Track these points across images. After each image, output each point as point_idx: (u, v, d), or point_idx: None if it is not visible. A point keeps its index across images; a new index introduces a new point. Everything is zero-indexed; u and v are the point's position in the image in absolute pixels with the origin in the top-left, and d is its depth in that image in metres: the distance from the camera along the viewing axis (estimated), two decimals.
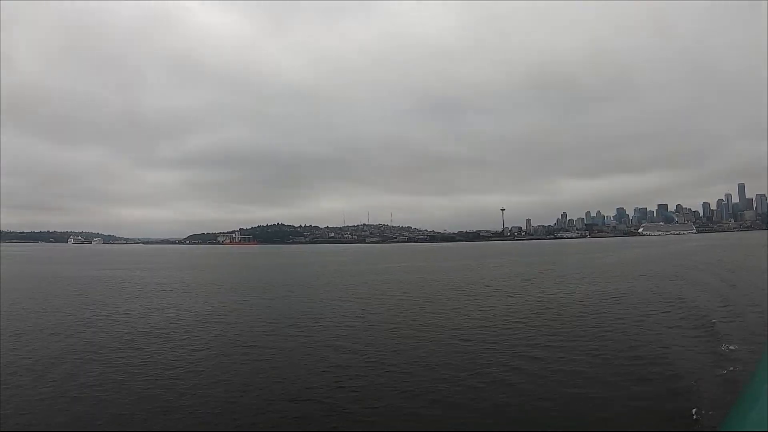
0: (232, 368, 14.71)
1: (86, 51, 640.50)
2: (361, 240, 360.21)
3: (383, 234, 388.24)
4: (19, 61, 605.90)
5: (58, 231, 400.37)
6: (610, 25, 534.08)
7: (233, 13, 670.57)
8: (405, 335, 19.13)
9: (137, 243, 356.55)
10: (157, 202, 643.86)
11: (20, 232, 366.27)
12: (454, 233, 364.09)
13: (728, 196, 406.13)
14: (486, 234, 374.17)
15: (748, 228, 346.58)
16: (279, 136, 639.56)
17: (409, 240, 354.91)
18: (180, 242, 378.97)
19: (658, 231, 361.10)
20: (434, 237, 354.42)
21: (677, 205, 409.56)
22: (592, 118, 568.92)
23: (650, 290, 31.22)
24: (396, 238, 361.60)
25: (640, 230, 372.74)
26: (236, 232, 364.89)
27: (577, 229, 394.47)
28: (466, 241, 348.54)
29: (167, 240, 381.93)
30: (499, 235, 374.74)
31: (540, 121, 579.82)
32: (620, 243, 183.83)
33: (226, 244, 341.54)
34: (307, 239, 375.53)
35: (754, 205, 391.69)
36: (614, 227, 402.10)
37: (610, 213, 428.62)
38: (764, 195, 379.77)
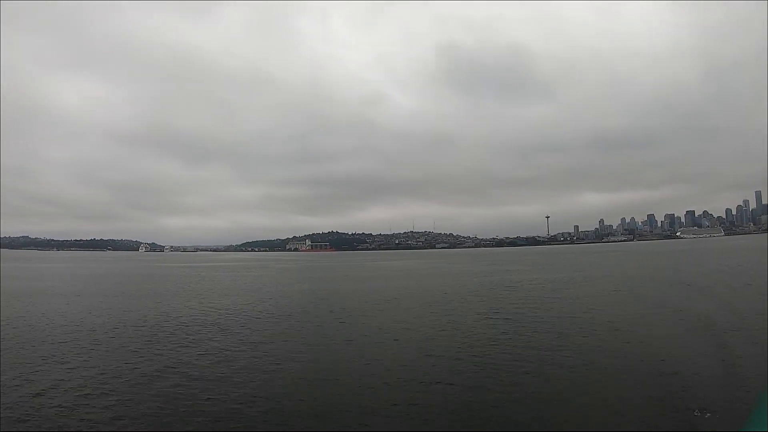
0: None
1: (306, 110, 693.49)
2: (430, 246, 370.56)
3: (441, 240, 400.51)
4: (241, 122, 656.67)
5: (104, 239, 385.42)
6: (642, 106, 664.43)
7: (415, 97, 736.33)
8: None
9: (206, 251, 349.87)
10: (208, 212, 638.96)
11: (76, 240, 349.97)
12: (514, 238, 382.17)
13: (746, 201, 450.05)
14: (542, 239, 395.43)
15: (766, 231, 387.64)
16: (382, 164, 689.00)
17: (476, 245, 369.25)
18: (241, 249, 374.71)
19: (693, 234, 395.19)
20: (500, 242, 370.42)
21: (704, 211, 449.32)
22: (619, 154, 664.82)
23: None
24: (464, 243, 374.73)
25: (678, 233, 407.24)
26: (307, 239, 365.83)
27: (620, 234, 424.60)
28: (527, 245, 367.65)
29: (230, 247, 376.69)
30: (554, 240, 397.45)
31: (582, 157, 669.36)
32: (699, 243, 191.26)
33: (302, 250, 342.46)
34: (372, 246, 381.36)
35: None
36: (651, 231, 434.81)
37: (641, 219, 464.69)
38: None
